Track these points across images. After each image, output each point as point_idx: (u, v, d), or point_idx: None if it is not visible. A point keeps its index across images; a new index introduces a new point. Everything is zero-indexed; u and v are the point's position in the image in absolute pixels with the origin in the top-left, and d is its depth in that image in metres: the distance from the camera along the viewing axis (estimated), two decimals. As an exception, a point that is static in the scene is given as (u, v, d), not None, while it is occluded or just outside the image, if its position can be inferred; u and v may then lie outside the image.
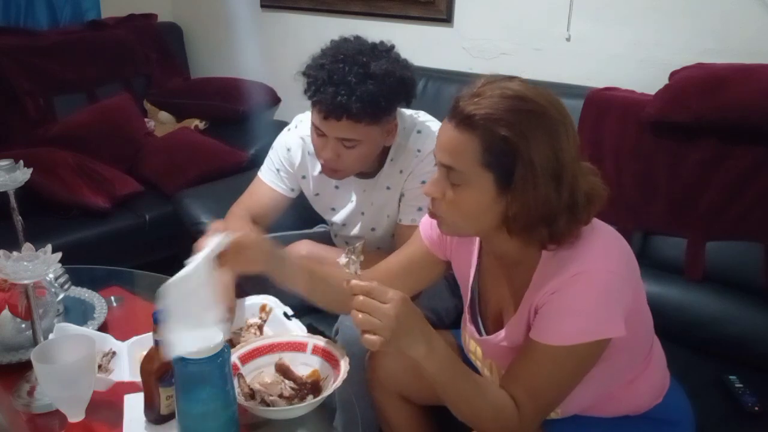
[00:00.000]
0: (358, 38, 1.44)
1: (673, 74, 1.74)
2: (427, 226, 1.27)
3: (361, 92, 1.32)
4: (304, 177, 1.64)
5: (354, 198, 1.60)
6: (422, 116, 1.56)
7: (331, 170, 1.46)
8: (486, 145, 0.96)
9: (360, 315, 0.94)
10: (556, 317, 1.01)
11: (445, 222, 1.07)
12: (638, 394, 1.17)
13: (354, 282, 0.96)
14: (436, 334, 1.01)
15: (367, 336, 0.94)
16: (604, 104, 1.81)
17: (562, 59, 2.09)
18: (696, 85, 1.64)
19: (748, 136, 1.59)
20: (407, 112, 1.54)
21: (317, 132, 1.41)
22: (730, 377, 1.47)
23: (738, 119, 1.59)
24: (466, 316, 1.25)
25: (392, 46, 1.44)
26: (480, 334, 1.20)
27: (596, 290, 1.00)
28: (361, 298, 0.94)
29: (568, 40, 2.08)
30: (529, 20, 2.14)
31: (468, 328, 1.24)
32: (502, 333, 1.13)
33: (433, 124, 1.54)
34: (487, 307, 1.21)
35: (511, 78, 1.02)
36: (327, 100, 1.33)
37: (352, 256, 0.99)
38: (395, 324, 0.93)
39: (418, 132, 1.51)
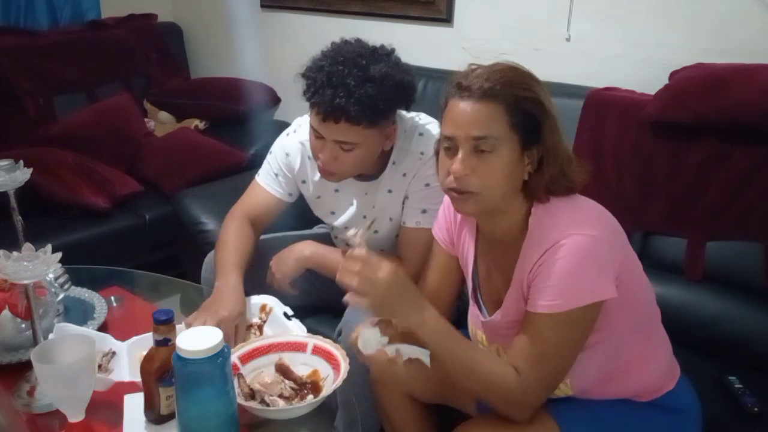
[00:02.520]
0: (358, 41, 1.44)
1: (673, 74, 1.74)
2: (437, 231, 1.33)
3: (359, 95, 1.31)
4: (304, 182, 1.63)
5: (355, 202, 1.60)
6: (423, 118, 1.56)
7: (327, 173, 1.46)
8: (509, 108, 1.07)
9: (356, 281, 1.05)
10: (546, 286, 1.05)
11: (476, 196, 1.10)
12: (648, 372, 1.19)
13: (356, 250, 1.07)
14: (430, 307, 1.10)
15: (355, 297, 1.06)
16: (604, 104, 1.81)
17: (562, 59, 2.09)
18: (696, 85, 1.64)
19: (748, 136, 1.59)
20: (408, 114, 1.54)
21: (315, 134, 1.41)
22: (730, 377, 1.47)
23: (738, 119, 1.59)
24: (471, 304, 1.28)
25: (392, 50, 1.44)
26: (484, 317, 1.24)
27: (579, 255, 1.04)
28: (358, 267, 1.05)
29: (568, 40, 2.08)
30: (529, 20, 2.14)
31: (472, 315, 1.28)
32: (501, 310, 1.17)
33: (434, 126, 1.54)
34: (486, 290, 1.24)
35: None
36: (325, 101, 1.33)
37: (361, 230, 1.11)
38: (386, 292, 1.05)
39: (420, 135, 1.51)
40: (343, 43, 1.43)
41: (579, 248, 1.04)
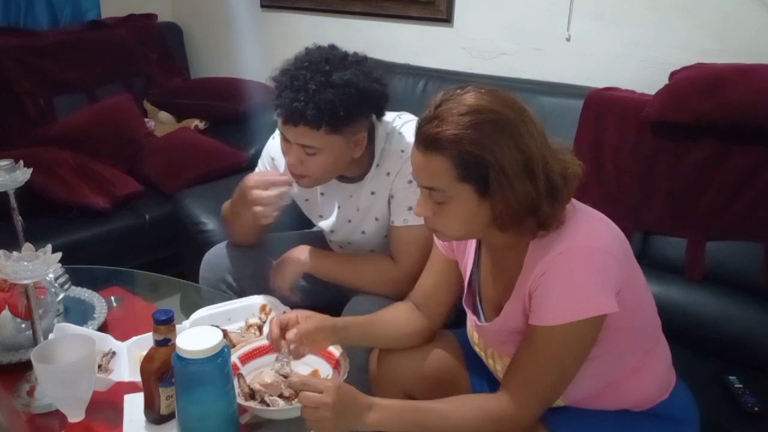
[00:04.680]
0: (332, 47, 1.44)
1: (673, 74, 1.74)
2: None
3: (318, 99, 1.32)
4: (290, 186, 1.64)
5: (340, 205, 1.60)
6: (405, 116, 1.56)
7: (296, 176, 1.46)
8: (456, 162, 1.02)
9: (305, 411, 1.05)
10: (546, 298, 1.04)
11: (443, 233, 1.13)
12: (644, 385, 1.18)
13: (291, 380, 1.10)
14: (377, 400, 1.09)
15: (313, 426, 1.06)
16: (604, 104, 1.81)
17: (562, 59, 2.09)
18: (696, 85, 1.64)
19: (748, 136, 1.59)
20: (390, 115, 1.54)
21: (282, 137, 1.43)
22: (730, 377, 1.47)
23: (738, 119, 1.59)
24: (466, 309, 1.28)
25: (364, 58, 1.44)
26: (480, 321, 1.23)
27: (580, 266, 1.03)
28: (304, 394, 1.05)
29: (568, 40, 2.08)
30: (529, 20, 2.15)
31: (470, 318, 1.27)
32: (499, 318, 1.16)
33: (415, 124, 1.54)
34: (486, 297, 1.24)
35: (463, 88, 1.06)
36: (285, 104, 1.34)
37: (284, 359, 1.16)
38: (333, 410, 1.03)
39: (400, 133, 1.52)
40: (315, 49, 1.44)
41: (581, 260, 1.03)
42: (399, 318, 1.33)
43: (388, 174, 1.51)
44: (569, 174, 1.07)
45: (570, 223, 1.06)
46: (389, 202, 1.53)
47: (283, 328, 1.19)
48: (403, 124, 1.53)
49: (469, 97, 1.04)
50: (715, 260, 1.66)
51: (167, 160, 2.61)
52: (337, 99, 1.33)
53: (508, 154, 1.01)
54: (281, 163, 1.61)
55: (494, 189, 1.02)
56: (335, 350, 1.26)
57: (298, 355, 1.21)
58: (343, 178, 1.56)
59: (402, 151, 1.49)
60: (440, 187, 1.05)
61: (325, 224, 1.65)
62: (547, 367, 1.06)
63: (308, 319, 1.21)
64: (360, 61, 1.42)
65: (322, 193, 1.61)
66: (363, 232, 1.60)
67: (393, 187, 1.51)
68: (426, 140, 1.04)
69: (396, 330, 1.32)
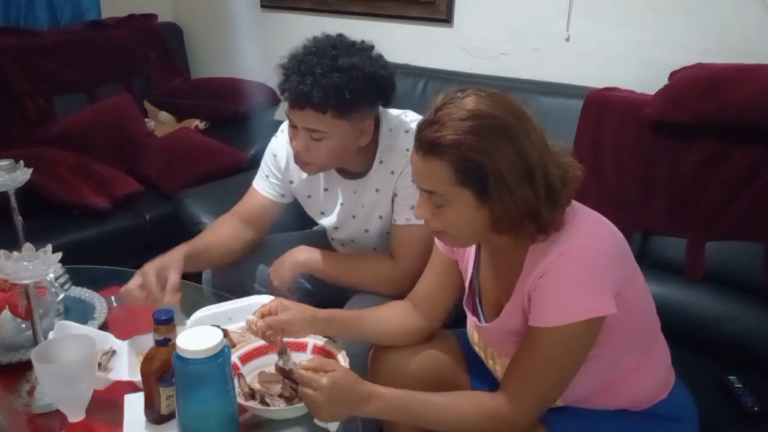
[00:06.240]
0: (340, 35, 1.46)
1: (673, 74, 1.74)
2: None
3: (325, 83, 1.33)
4: (291, 182, 1.63)
5: (343, 201, 1.60)
6: (410, 115, 1.56)
7: (302, 162, 1.47)
8: (455, 167, 1.02)
9: (304, 400, 1.10)
10: (544, 300, 1.05)
11: (446, 234, 1.13)
12: (643, 386, 1.18)
13: (295, 374, 1.12)
14: (376, 389, 1.12)
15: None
16: (604, 104, 1.81)
17: (561, 59, 2.09)
18: (696, 85, 1.64)
19: (748, 136, 1.59)
20: (394, 112, 1.54)
21: (290, 122, 1.44)
22: (730, 377, 1.47)
23: (738, 119, 1.59)
24: (466, 310, 1.28)
25: (371, 47, 1.45)
26: (480, 322, 1.24)
27: (578, 268, 1.03)
28: (302, 389, 1.09)
29: (567, 40, 2.08)
30: (528, 20, 2.15)
31: (470, 319, 1.28)
32: (499, 319, 1.16)
33: None
34: (486, 298, 1.24)
35: (464, 91, 1.06)
36: (291, 88, 1.35)
37: (284, 356, 1.18)
38: (327, 406, 1.07)
39: (406, 132, 1.51)
40: (323, 37, 1.45)
41: (580, 261, 1.03)
42: (392, 316, 1.33)
43: (392, 172, 1.51)
44: (569, 177, 1.07)
45: (569, 225, 1.06)
46: (393, 201, 1.53)
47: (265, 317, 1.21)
48: (409, 122, 1.53)
49: (470, 102, 1.03)
50: (715, 260, 1.66)
51: (167, 160, 2.61)
52: (343, 82, 1.34)
53: (508, 160, 1.01)
54: (282, 159, 1.61)
55: (493, 194, 1.02)
56: (335, 350, 1.26)
57: (270, 342, 1.22)
58: (345, 174, 1.56)
59: (407, 149, 1.49)
60: (439, 191, 1.05)
61: (327, 221, 1.65)
62: (545, 369, 1.06)
63: (286, 310, 1.21)
64: (367, 49, 1.44)
65: (325, 189, 1.61)
66: (366, 230, 1.60)
67: (397, 185, 1.51)
68: (426, 144, 1.04)
69: (386, 327, 1.32)
